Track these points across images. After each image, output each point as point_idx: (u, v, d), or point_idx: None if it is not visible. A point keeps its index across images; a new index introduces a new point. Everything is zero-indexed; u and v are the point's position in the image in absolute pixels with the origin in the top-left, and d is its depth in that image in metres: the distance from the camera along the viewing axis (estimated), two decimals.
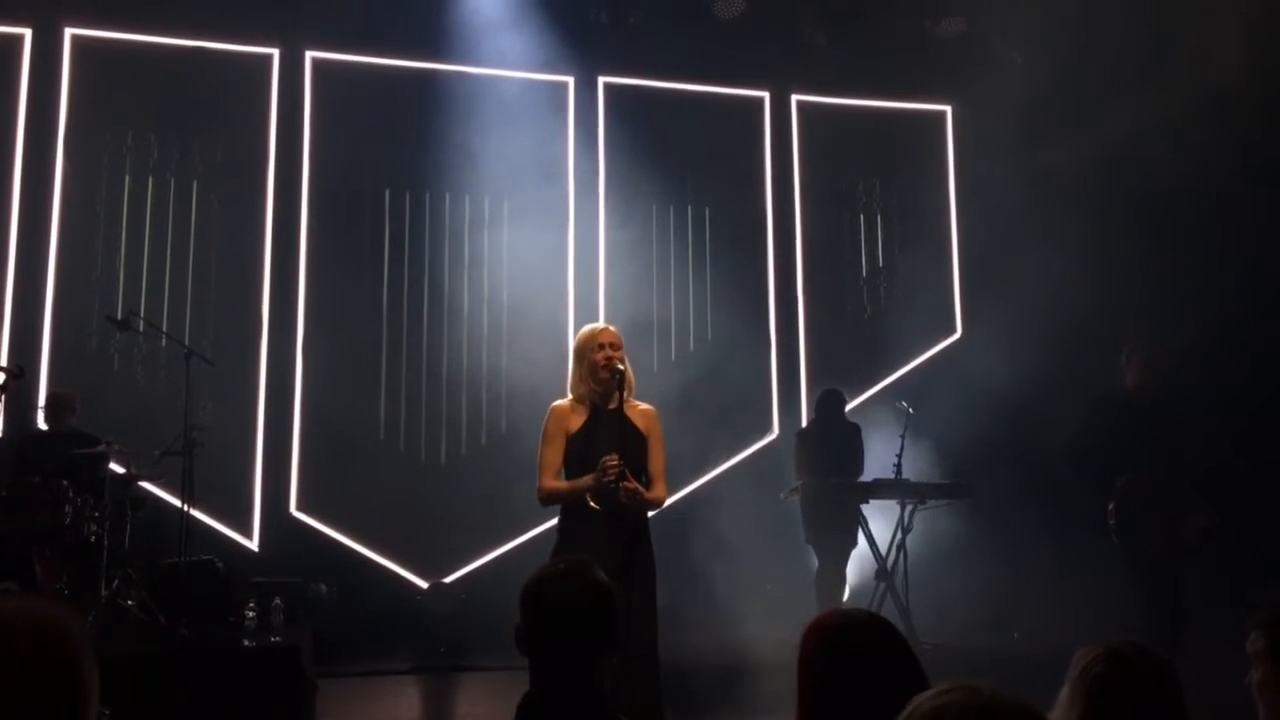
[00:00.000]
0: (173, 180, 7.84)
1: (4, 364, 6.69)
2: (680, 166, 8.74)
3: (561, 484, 3.78)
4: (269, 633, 6.15)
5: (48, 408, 6.58)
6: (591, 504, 3.63)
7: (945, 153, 9.34)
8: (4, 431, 6.90)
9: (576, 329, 4.69)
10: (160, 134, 7.81)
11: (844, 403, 7.35)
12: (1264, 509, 6.49)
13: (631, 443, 3.73)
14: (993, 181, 8.35)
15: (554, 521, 3.85)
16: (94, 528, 5.84)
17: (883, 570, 6.77)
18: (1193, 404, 5.91)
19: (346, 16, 7.80)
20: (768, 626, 5.82)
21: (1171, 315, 6.89)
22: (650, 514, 3.83)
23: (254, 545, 7.50)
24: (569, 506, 3.76)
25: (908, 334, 8.82)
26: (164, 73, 7.76)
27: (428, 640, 6.91)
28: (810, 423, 7.63)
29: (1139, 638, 2.25)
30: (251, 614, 6.22)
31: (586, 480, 3.65)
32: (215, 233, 7.82)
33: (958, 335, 9.09)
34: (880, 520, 6.97)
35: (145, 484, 6.48)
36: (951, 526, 7.25)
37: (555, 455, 3.80)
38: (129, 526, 6.11)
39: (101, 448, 6.02)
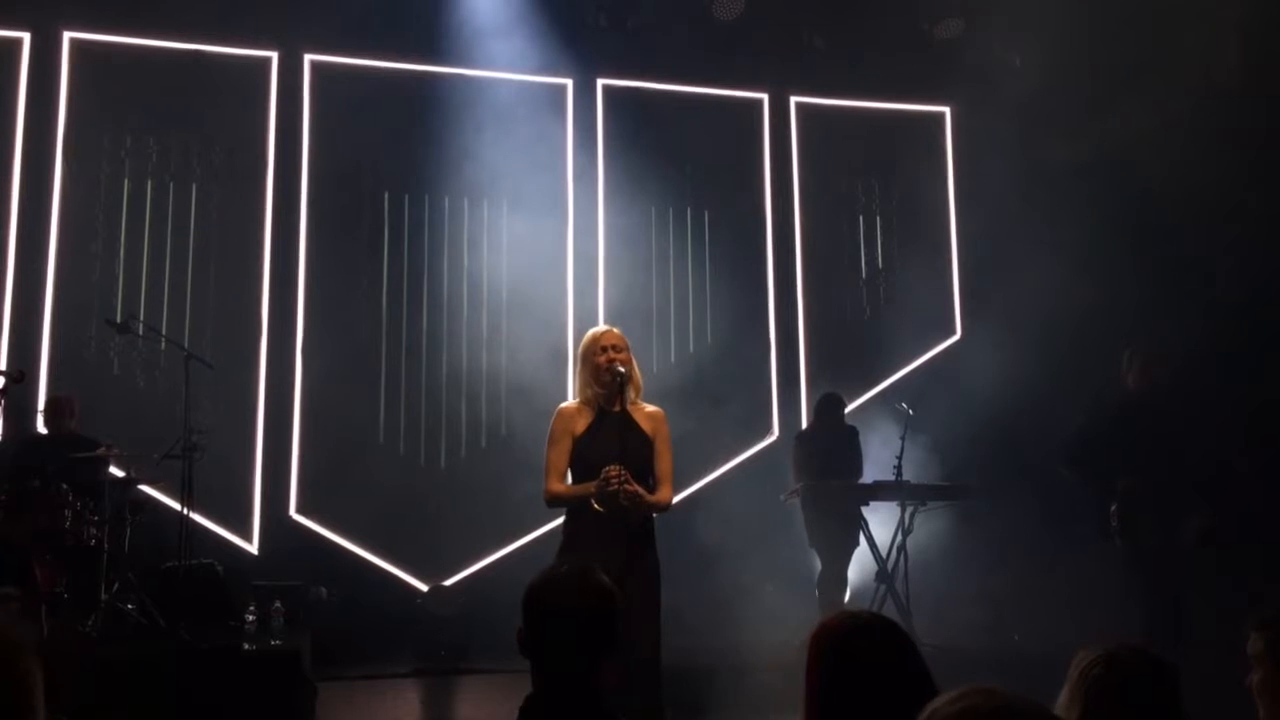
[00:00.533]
0: (172, 183, 7.83)
1: (4, 368, 6.69)
2: (679, 168, 8.73)
3: (566, 488, 3.79)
4: (269, 636, 6.15)
5: (47, 411, 6.57)
6: (596, 507, 3.64)
7: (944, 154, 9.34)
8: (3, 435, 6.89)
9: (576, 332, 4.70)
10: (159, 137, 7.81)
11: (843, 406, 7.35)
12: (1264, 509, 6.49)
13: (635, 445, 3.73)
14: (992, 182, 8.33)
15: (554, 524, 3.86)
16: (94, 531, 5.84)
17: (883, 572, 6.77)
18: (1193, 405, 5.91)
19: (345, 19, 7.78)
20: (769, 628, 5.83)
21: (1172, 316, 6.90)
22: (655, 515, 3.83)
23: (254, 548, 7.50)
24: (574, 509, 3.78)
25: (907, 335, 8.81)
26: (163, 76, 7.76)
27: (428, 643, 6.89)
28: (809, 426, 7.64)
29: (1140, 639, 2.25)
30: (251, 617, 6.22)
31: (589, 486, 3.66)
32: (214, 236, 7.82)
33: (957, 336, 9.09)
34: (881, 522, 6.97)
35: (145, 487, 6.49)
36: (952, 528, 7.26)
37: (561, 458, 3.81)
38: (129, 530, 6.09)
39: (101, 451, 6.01)
